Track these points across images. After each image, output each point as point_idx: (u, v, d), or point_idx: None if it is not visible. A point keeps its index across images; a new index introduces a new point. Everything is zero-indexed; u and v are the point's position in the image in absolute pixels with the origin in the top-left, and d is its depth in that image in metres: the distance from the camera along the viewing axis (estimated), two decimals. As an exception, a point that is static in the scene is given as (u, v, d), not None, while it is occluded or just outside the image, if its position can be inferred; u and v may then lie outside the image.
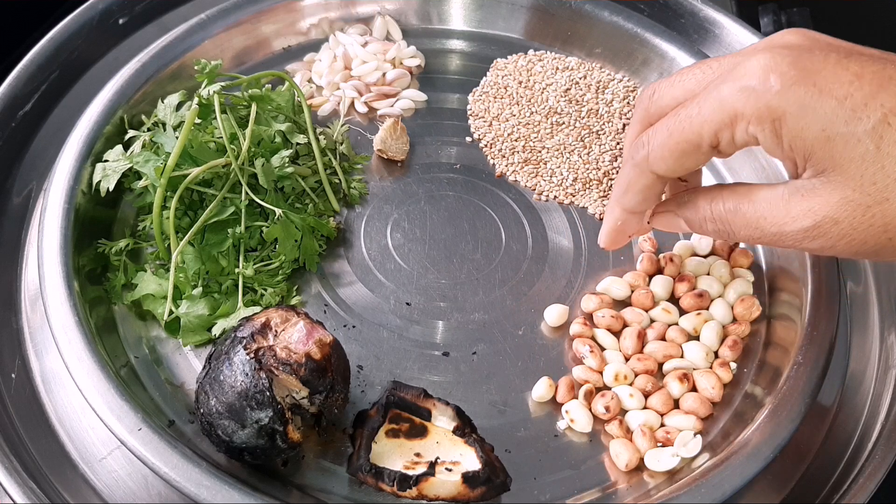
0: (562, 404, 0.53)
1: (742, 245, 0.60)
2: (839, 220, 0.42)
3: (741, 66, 0.42)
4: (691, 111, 0.44)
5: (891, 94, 0.40)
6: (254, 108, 0.58)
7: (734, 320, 0.56)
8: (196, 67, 0.59)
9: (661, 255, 0.59)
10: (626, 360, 0.55)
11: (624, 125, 0.65)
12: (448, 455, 0.47)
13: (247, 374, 0.44)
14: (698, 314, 0.56)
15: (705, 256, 0.59)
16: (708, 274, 0.58)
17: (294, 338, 0.46)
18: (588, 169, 0.63)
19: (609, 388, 0.53)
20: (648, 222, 0.52)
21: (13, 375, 0.53)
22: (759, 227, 0.45)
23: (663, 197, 0.52)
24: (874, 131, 0.39)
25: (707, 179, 0.64)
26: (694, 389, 0.53)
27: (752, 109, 0.41)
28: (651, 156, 0.46)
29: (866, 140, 0.40)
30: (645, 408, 0.53)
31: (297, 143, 0.60)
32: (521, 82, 0.68)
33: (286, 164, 0.57)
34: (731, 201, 0.46)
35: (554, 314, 0.56)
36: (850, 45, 0.43)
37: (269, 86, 0.63)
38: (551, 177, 0.63)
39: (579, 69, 0.68)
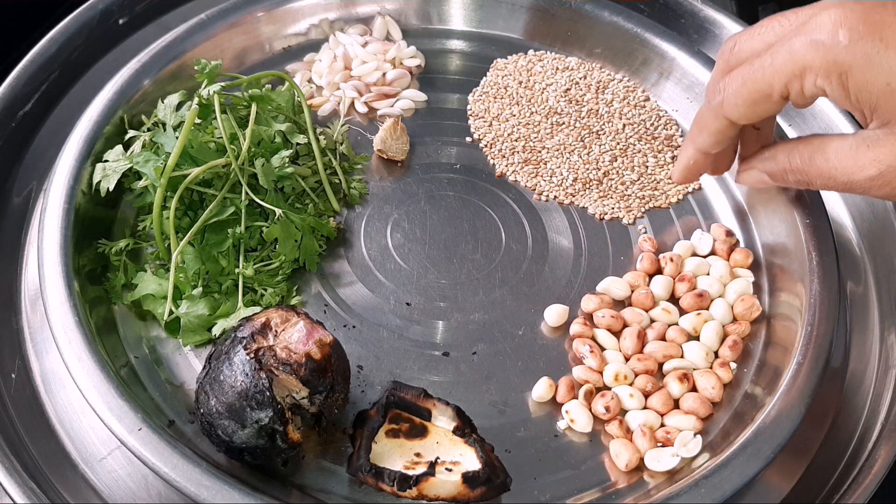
0: (562, 404, 0.53)
1: (741, 245, 0.60)
2: None
3: (814, 19, 0.44)
4: (764, 62, 0.46)
5: None
6: (254, 108, 0.58)
7: (734, 320, 0.56)
8: (196, 67, 0.59)
9: (661, 256, 0.59)
10: (626, 360, 0.55)
11: (624, 125, 0.65)
12: (448, 455, 0.47)
13: (247, 374, 0.44)
14: (698, 314, 0.56)
15: (705, 256, 0.59)
16: (708, 274, 0.58)
17: (294, 338, 0.46)
18: (588, 169, 0.63)
19: (609, 389, 0.53)
20: (737, 181, 0.56)
21: (13, 375, 0.53)
22: (831, 176, 0.48)
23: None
24: None
25: (707, 179, 0.64)
26: (694, 389, 0.53)
27: (821, 62, 0.43)
28: (725, 102, 0.48)
29: None
30: (645, 408, 0.53)
31: (297, 144, 0.60)
32: (521, 82, 0.68)
33: (286, 165, 0.57)
34: (807, 153, 0.49)
35: (554, 314, 0.56)
36: None
37: (269, 86, 0.63)
38: (551, 177, 0.63)
39: (579, 69, 0.68)
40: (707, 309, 0.57)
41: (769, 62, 0.46)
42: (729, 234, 0.60)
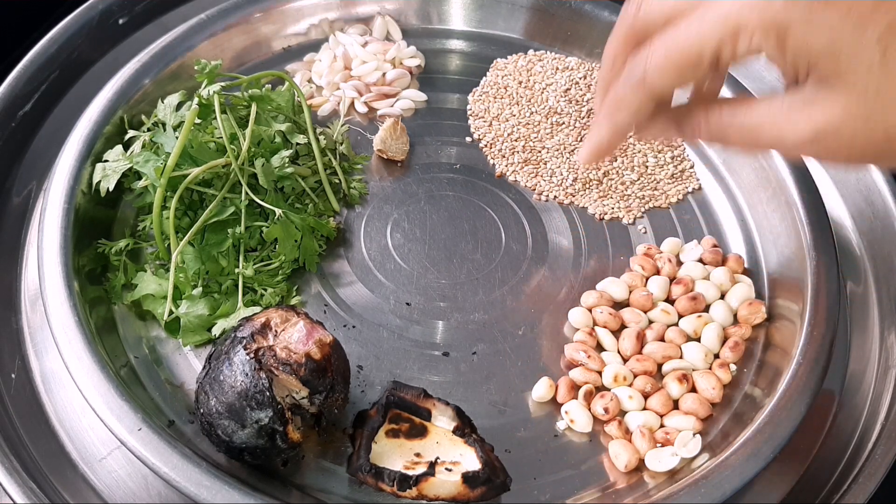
0: (562, 404, 0.53)
1: (732, 251, 0.60)
2: (840, 130, 0.42)
3: None
4: (690, 27, 0.42)
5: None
6: (254, 108, 0.58)
7: (735, 322, 0.56)
8: (196, 67, 0.59)
9: (658, 256, 0.59)
10: (625, 361, 0.55)
11: (624, 125, 0.65)
12: (448, 455, 0.47)
13: (247, 374, 0.44)
14: (699, 317, 0.56)
15: (701, 262, 0.59)
16: (707, 278, 0.58)
17: (294, 338, 0.46)
18: (588, 169, 0.63)
19: (608, 389, 0.53)
20: (637, 132, 0.49)
21: (13, 375, 0.53)
22: (755, 134, 0.44)
23: None
24: (880, 41, 0.39)
25: (707, 179, 0.64)
26: (693, 390, 0.53)
27: (758, 21, 0.41)
28: (649, 74, 0.44)
29: (872, 49, 0.39)
30: (644, 409, 0.53)
31: (297, 143, 0.60)
32: (521, 82, 0.68)
33: (286, 165, 0.57)
34: (731, 111, 0.45)
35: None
36: None
37: (269, 86, 0.63)
38: (551, 177, 0.63)
39: (579, 69, 0.68)
40: (701, 312, 0.56)
41: (696, 27, 0.42)
42: (715, 246, 0.59)
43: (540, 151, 0.64)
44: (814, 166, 0.65)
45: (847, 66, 0.40)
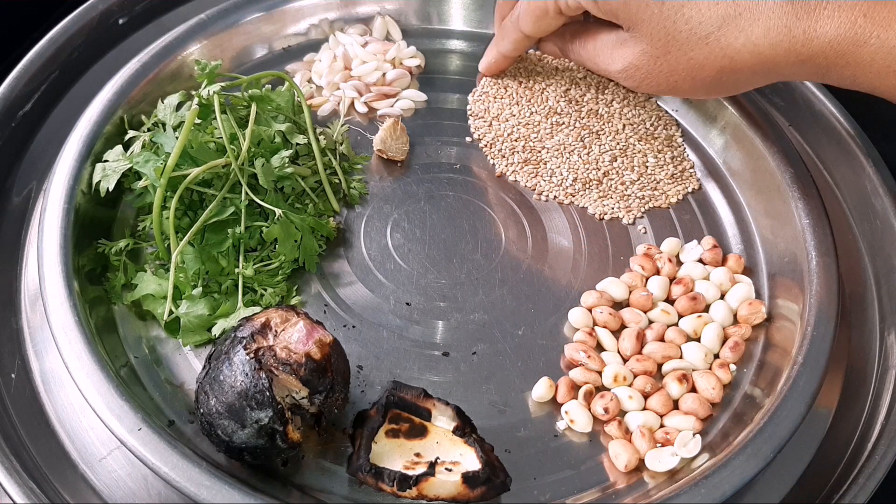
0: (562, 404, 0.53)
1: (732, 251, 0.60)
2: (640, 67, 0.56)
3: None
4: None
5: None
6: (254, 108, 0.58)
7: (734, 322, 0.56)
8: (196, 68, 0.59)
9: (658, 256, 0.59)
10: (625, 361, 0.55)
11: (624, 125, 0.65)
12: (448, 455, 0.47)
13: (247, 374, 0.44)
14: (699, 317, 0.56)
15: (701, 262, 0.59)
16: (707, 278, 0.58)
17: (294, 338, 0.46)
18: (588, 169, 0.63)
19: (608, 389, 0.53)
20: (539, 47, 0.67)
21: (13, 375, 0.53)
22: (596, 63, 0.60)
23: None
24: None
25: (707, 180, 0.64)
26: (693, 390, 0.53)
27: None
28: (520, 18, 0.62)
29: (652, 4, 0.53)
30: (644, 409, 0.53)
31: (297, 144, 0.60)
32: (521, 82, 0.68)
33: (286, 165, 0.57)
34: (584, 39, 0.61)
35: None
36: None
37: (269, 86, 0.63)
38: (551, 177, 0.63)
39: (579, 70, 0.68)
40: (701, 312, 0.56)
41: None
42: (715, 246, 0.60)
43: (540, 151, 0.64)
44: (813, 167, 0.66)
45: (638, 17, 0.54)
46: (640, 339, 0.55)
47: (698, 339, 0.56)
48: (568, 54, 0.64)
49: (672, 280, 0.58)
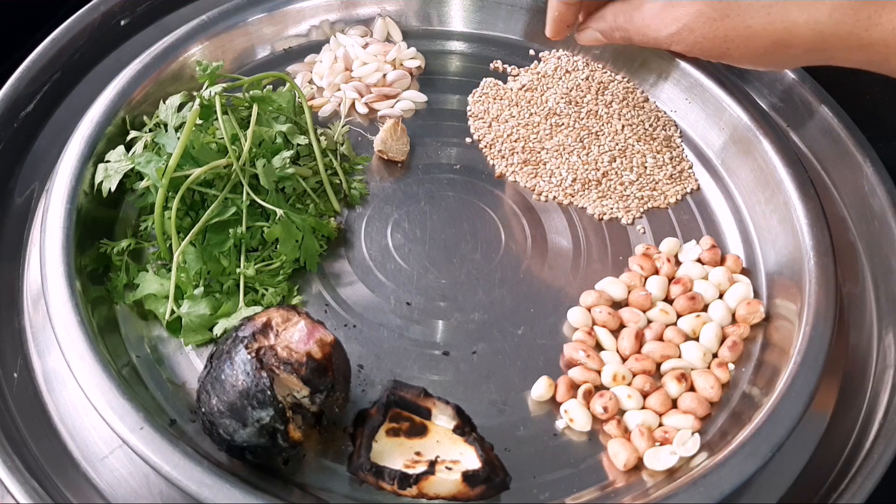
0: (561, 403, 0.53)
1: (731, 251, 0.60)
2: (694, 29, 0.55)
3: None
4: None
5: None
6: (255, 109, 0.58)
7: (733, 322, 0.57)
8: (197, 69, 0.59)
9: (656, 256, 0.59)
10: (624, 360, 0.55)
11: (623, 126, 0.66)
12: (448, 454, 0.48)
13: (248, 374, 0.45)
14: (697, 316, 0.56)
15: (700, 262, 0.60)
16: (705, 278, 0.58)
17: (295, 337, 0.46)
18: (587, 169, 0.64)
19: (607, 389, 0.53)
20: (577, 40, 0.65)
21: (15, 375, 0.53)
22: (644, 33, 0.58)
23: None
24: None
25: (705, 180, 0.64)
26: (692, 389, 0.54)
27: None
28: None
29: None
30: (643, 408, 0.53)
31: (298, 144, 0.60)
32: (522, 85, 0.68)
33: (287, 165, 0.57)
34: (629, 11, 0.59)
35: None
36: None
37: (270, 87, 0.64)
38: (550, 177, 0.64)
39: (583, 70, 0.68)
40: (699, 311, 0.57)
41: None
42: (714, 246, 0.60)
43: (539, 152, 0.65)
44: (811, 167, 0.66)
45: None
46: (639, 339, 0.55)
47: (697, 339, 0.56)
48: (612, 34, 0.61)
49: (671, 280, 0.59)
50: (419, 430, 0.49)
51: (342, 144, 0.63)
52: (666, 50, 0.59)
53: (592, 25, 0.62)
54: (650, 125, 0.66)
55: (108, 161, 0.57)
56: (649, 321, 0.57)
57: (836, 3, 0.50)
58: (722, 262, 0.59)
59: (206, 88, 0.59)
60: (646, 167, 0.64)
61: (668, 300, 0.58)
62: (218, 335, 0.53)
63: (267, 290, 0.55)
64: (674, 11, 0.55)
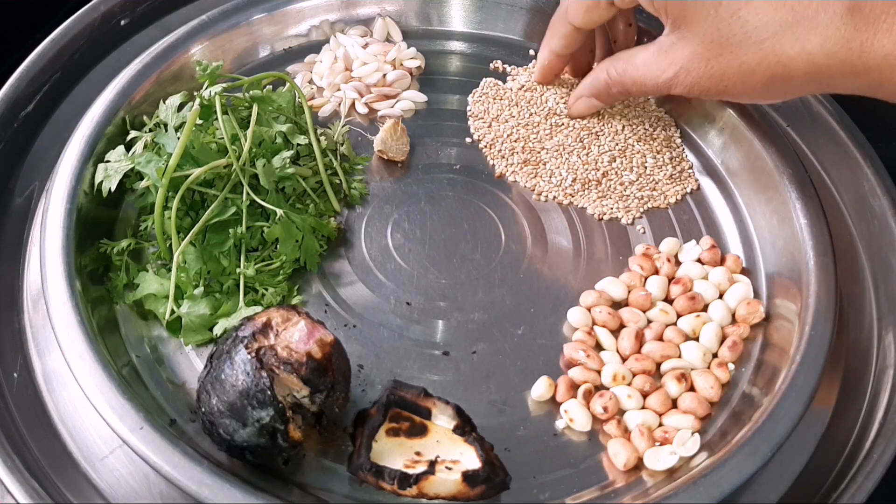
0: (561, 403, 0.53)
1: (731, 251, 0.60)
2: (690, 70, 0.54)
3: None
4: None
5: None
6: (255, 108, 0.58)
7: (733, 322, 0.57)
8: (197, 69, 0.59)
9: (656, 256, 0.59)
10: (624, 360, 0.55)
11: (623, 126, 0.66)
12: (448, 454, 0.48)
13: (248, 374, 0.45)
14: (697, 316, 0.56)
15: (700, 262, 0.60)
16: (705, 278, 0.58)
17: (295, 337, 0.46)
18: (587, 169, 0.64)
19: (607, 388, 0.53)
20: (569, 114, 0.65)
21: (15, 375, 0.53)
22: (643, 82, 0.58)
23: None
24: None
25: (705, 180, 0.65)
26: (692, 389, 0.54)
27: None
28: (569, 9, 0.61)
29: (709, 4, 0.52)
30: (643, 408, 0.53)
31: (298, 144, 0.60)
32: (522, 85, 0.68)
33: (287, 165, 0.57)
34: (621, 65, 0.59)
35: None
36: None
37: (270, 87, 0.64)
38: (550, 177, 0.64)
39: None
40: (699, 311, 0.57)
41: None
42: (713, 246, 0.60)
43: (539, 152, 0.65)
44: (811, 167, 0.66)
45: (691, 16, 0.53)
46: (639, 339, 0.55)
47: (697, 339, 0.56)
48: (607, 91, 0.61)
49: (671, 280, 0.59)
50: (419, 430, 0.49)
51: (342, 144, 0.64)
52: (666, 94, 0.58)
53: (585, 92, 0.63)
54: (650, 125, 0.66)
55: (108, 161, 0.57)
56: (649, 321, 0.57)
57: (826, 35, 0.50)
58: (722, 262, 0.59)
59: (206, 88, 0.59)
60: (646, 167, 0.64)
61: (668, 300, 0.58)
62: (218, 335, 0.53)
63: (267, 290, 0.55)
64: (668, 56, 0.55)
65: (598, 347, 0.56)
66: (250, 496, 0.44)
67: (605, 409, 0.52)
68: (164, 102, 0.60)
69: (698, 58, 0.54)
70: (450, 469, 0.47)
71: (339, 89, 0.68)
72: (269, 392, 0.44)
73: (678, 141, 0.66)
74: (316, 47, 0.71)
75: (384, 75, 0.68)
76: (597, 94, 0.62)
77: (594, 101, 0.63)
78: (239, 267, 0.55)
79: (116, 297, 0.55)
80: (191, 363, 0.53)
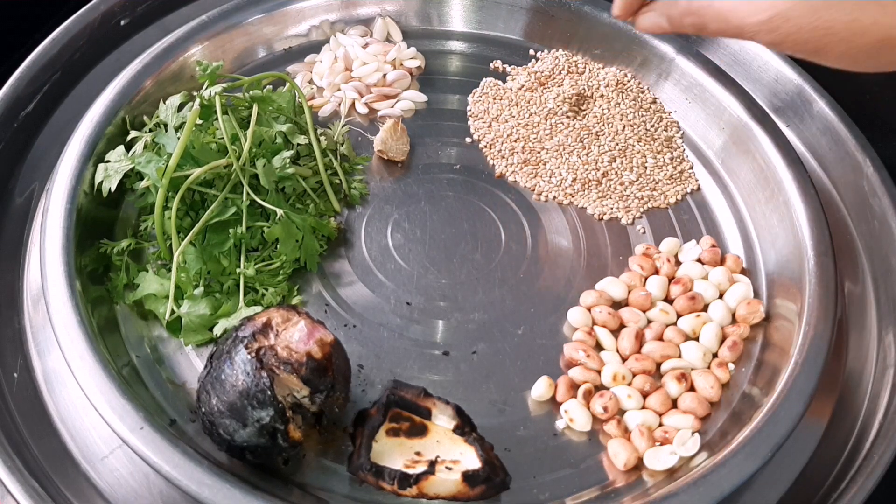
0: (561, 403, 0.53)
1: (731, 251, 0.60)
2: (790, 18, 0.47)
3: None
4: None
5: None
6: (255, 108, 0.58)
7: (733, 322, 0.57)
8: (197, 69, 0.59)
9: (656, 256, 0.59)
10: (624, 360, 0.55)
11: (623, 126, 0.66)
12: (448, 454, 0.48)
13: (248, 374, 0.45)
14: (697, 316, 0.56)
15: (700, 262, 0.60)
16: (705, 278, 0.58)
17: (295, 337, 0.46)
18: (587, 169, 0.64)
19: (607, 388, 0.53)
20: (636, 26, 0.57)
21: (15, 375, 0.53)
22: (726, 19, 0.50)
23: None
24: None
25: (705, 180, 0.65)
26: (692, 389, 0.54)
27: None
28: None
29: None
30: (643, 407, 0.53)
31: (298, 144, 0.60)
32: (522, 85, 0.68)
33: (287, 165, 0.57)
34: None
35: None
36: None
37: (270, 87, 0.64)
38: (550, 177, 0.64)
39: (580, 72, 0.68)
40: (699, 311, 0.57)
41: None
42: (714, 246, 0.60)
43: (539, 152, 0.65)
44: (811, 167, 0.66)
45: None
46: (639, 339, 0.55)
47: (697, 339, 0.56)
48: (681, 20, 0.53)
49: (671, 280, 0.59)
50: (419, 430, 0.49)
51: (342, 144, 0.64)
52: (747, 40, 0.51)
53: (660, 9, 0.55)
54: (651, 125, 0.66)
55: (108, 161, 0.57)
56: (649, 321, 0.57)
57: None
58: (722, 262, 0.59)
59: (206, 88, 0.59)
60: (646, 167, 0.64)
61: (668, 300, 0.58)
62: (218, 335, 0.53)
63: (267, 290, 0.55)
64: None
65: (599, 347, 0.56)
66: (250, 496, 0.45)
67: (606, 409, 0.52)
68: (164, 102, 0.61)
69: (804, 5, 0.47)
70: (450, 469, 0.47)
71: (339, 89, 0.68)
72: (269, 392, 0.44)
73: (679, 142, 0.66)
74: (316, 47, 0.71)
75: (384, 75, 0.68)
76: (670, 18, 0.54)
77: (664, 22, 0.55)
78: (239, 267, 0.55)
79: (116, 297, 0.55)
80: (191, 363, 0.54)
